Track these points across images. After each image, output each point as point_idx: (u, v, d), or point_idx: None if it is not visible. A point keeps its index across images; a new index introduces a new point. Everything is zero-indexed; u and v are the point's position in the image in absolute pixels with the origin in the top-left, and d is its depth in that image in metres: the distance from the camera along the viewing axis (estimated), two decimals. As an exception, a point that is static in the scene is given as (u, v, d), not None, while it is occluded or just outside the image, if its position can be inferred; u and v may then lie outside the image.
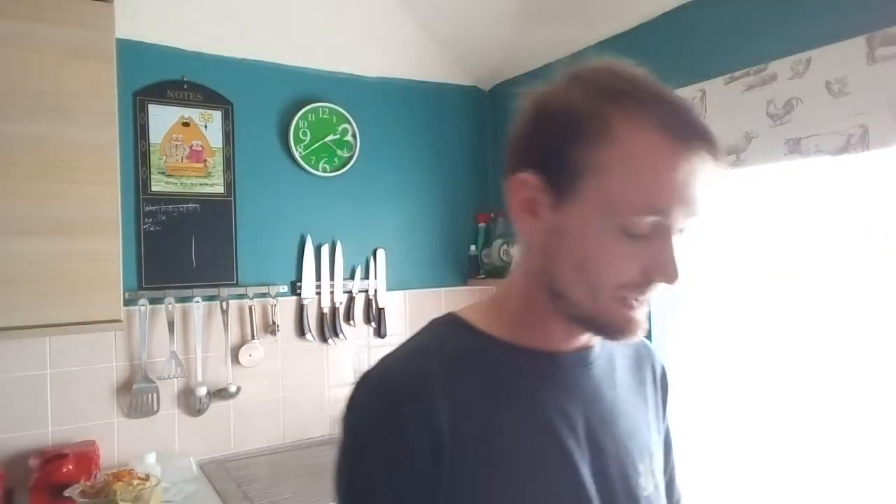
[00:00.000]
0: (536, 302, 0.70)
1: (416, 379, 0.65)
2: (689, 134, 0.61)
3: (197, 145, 2.12)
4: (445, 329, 0.73)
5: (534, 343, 0.71)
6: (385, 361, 0.70)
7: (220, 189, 2.16)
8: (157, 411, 2.01)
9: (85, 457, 1.77)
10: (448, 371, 0.66)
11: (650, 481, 0.74)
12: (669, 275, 0.62)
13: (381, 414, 0.64)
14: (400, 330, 2.50)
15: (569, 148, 0.63)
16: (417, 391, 0.64)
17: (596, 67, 0.67)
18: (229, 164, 2.17)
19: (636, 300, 0.65)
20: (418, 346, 0.72)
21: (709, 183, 0.62)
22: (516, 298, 0.73)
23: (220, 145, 2.16)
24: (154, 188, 2.05)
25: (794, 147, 1.52)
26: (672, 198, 0.61)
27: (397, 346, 0.73)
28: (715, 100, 1.69)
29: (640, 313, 0.66)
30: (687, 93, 1.71)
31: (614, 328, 0.66)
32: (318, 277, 2.32)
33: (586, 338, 0.74)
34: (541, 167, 0.65)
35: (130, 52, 1.96)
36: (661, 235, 0.62)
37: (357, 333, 2.41)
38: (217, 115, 2.16)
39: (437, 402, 0.63)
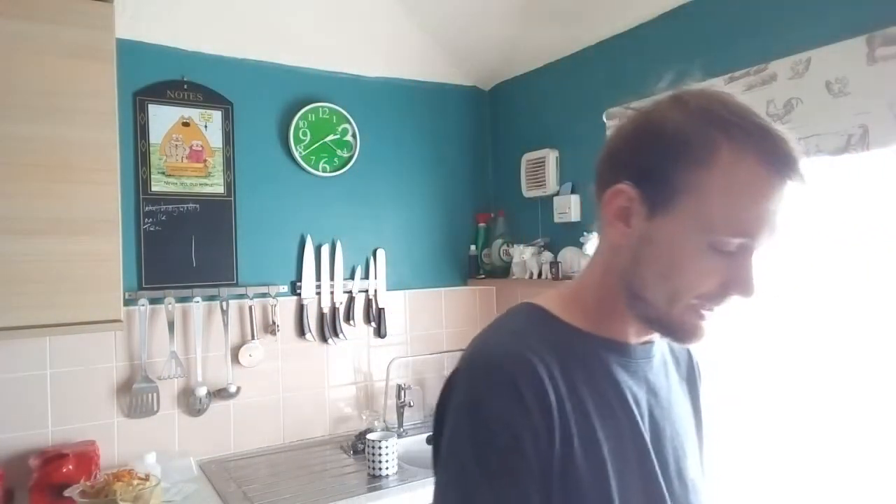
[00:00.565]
0: (613, 299, 0.75)
1: (524, 359, 0.68)
2: (785, 168, 0.66)
3: (197, 145, 2.12)
4: (530, 317, 0.77)
5: (609, 334, 0.76)
6: (485, 344, 0.73)
7: (220, 189, 2.16)
8: (157, 411, 2.01)
9: (85, 457, 1.77)
10: (544, 354, 0.70)
11: (696, 467, 0.80)
12: (747, 290, 0.68)
13: (501, 389, 0.66)
14: (400, 330, 2.50)
15: (672, 166, 0.68)
16: (528, 369, 0.67)
17: (703, 93, 0.71)
18: (229, 164, 2.17)
19: (708, 310, 0.70)
20: (514, 329, 0.75)
21: (791, 210, 0.68)
22: (593, 293, 0.78)
23: (220, 145, 2.16)
24: (154, 188, 2.05)
25: (794, 147, 1.52)
26: (762, 224, 0.66)
27: (486, 329, 0.76)
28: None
29: (707, 322, 0.71)
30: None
31: (682, 332, 0.71)
32: (318, 277, 2.33)
33: (650, 333, 0.79)
34: (639, 180, 0.70)
35: (130, 52, 1.96)
36: (743, 254, 0.67)
37: (357, 333, 2.41)
38: (217, 115, 2.16)
39: (544, 381, 0.67)
